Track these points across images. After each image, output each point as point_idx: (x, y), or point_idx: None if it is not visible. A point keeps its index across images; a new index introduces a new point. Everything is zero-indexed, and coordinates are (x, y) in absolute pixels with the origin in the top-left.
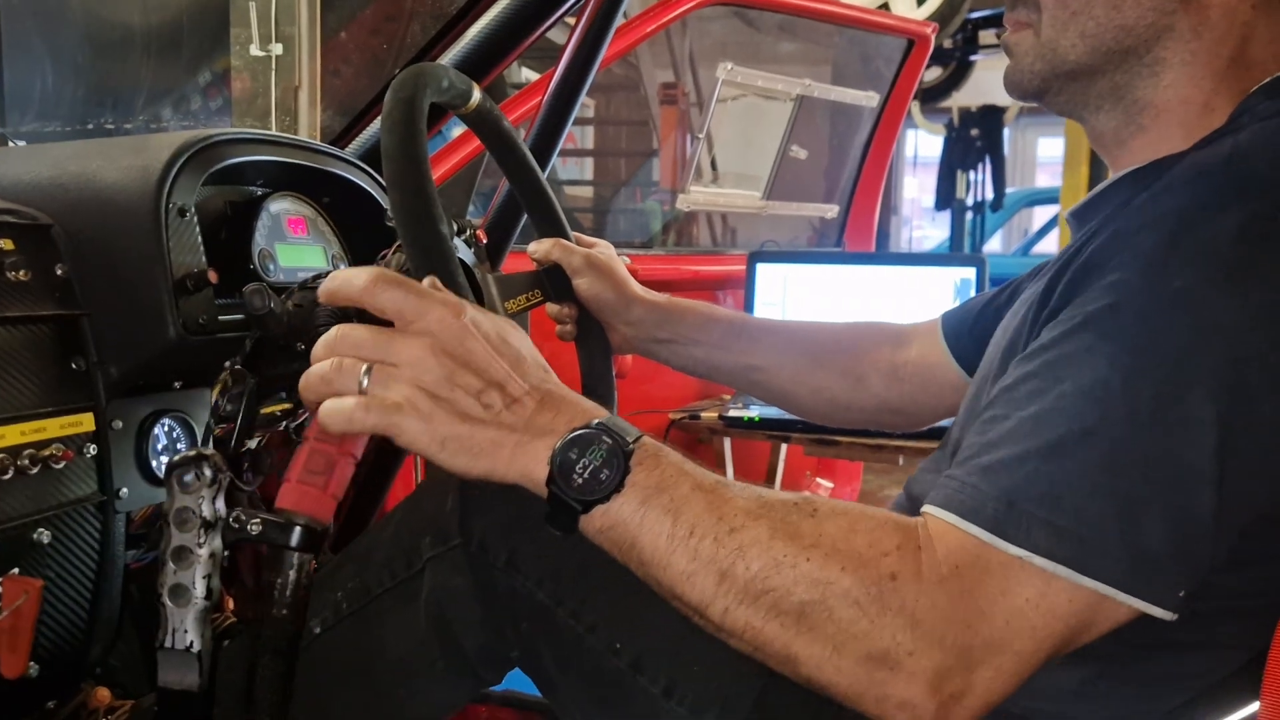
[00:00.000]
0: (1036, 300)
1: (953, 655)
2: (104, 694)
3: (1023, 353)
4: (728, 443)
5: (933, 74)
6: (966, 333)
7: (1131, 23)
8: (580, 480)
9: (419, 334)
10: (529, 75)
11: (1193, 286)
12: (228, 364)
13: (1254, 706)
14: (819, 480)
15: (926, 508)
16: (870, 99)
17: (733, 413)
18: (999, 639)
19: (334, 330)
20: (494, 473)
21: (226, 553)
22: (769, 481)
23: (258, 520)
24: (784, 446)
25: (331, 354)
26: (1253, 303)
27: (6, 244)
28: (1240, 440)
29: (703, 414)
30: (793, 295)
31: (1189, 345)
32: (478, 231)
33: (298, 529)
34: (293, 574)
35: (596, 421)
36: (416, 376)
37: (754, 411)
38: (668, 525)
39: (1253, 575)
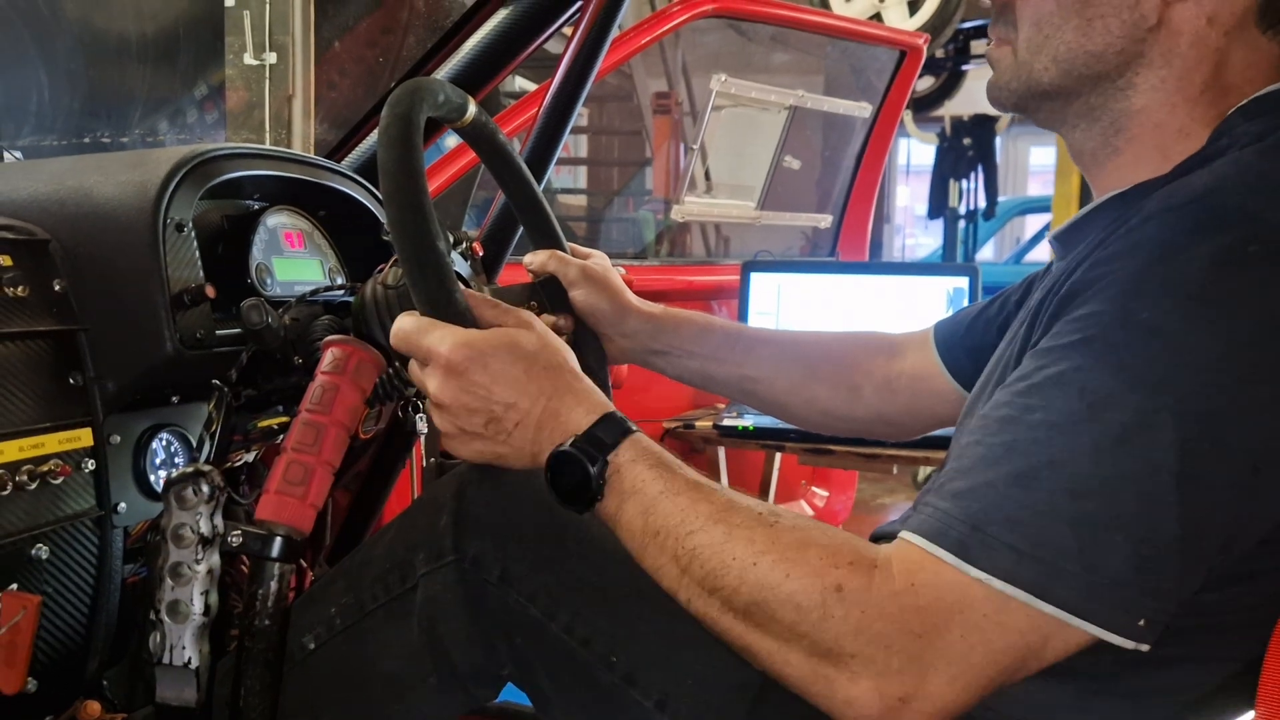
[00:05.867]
0: (1022, 334)
1: (900, 660)
2: (94, 708)
3: (1004, 382)
4: (722, 452)
5: (925, 83)
6: (959, 344)
7: (1101, 49)
8: (567, 490)
9: (431, 380)
10: (524, 85)
11: (1163, 317)
12: (216, 381)
13: (1249, 716)
14: (814, 489)
15: (902, 532)
16: (863, 109)
17: (727, 422)
18: (953, 650)
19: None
20: (522, 469)
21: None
22: (763, 490)
23: (238, 532)
24: (778, 455)
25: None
26: (1222, 331)
27: (4, 259)
28: (1207, 468)
29: (697, 423)
30: (786, 304)
31: (1159, 375)
32: (474, 244)
33: (278, 540)
34: (274, 584)
35: (575, 439)
36: (441, 415)
37: (748, 421)
38: (639, 524)
39: (1237, 592)
